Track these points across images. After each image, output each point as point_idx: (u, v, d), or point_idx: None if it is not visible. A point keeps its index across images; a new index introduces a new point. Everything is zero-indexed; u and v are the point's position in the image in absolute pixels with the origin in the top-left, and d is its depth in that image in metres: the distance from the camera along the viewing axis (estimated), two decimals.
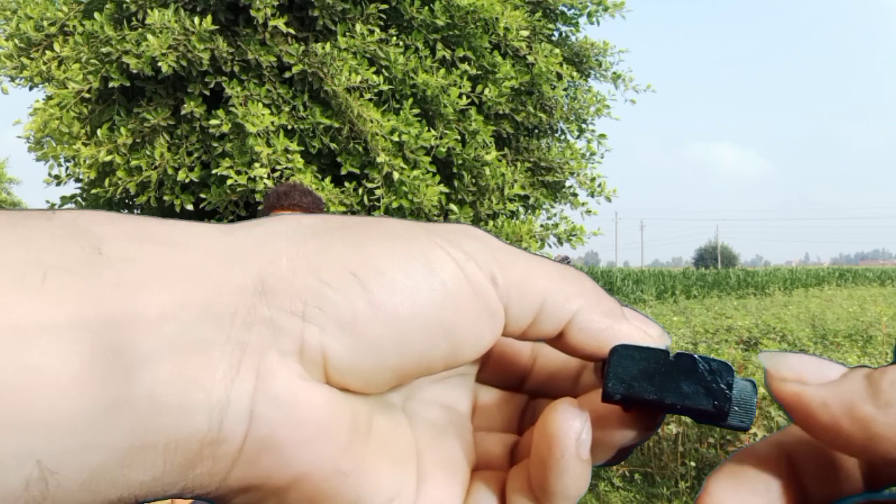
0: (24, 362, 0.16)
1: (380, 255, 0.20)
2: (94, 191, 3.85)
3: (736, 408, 0.21)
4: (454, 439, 0.23)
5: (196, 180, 3.73)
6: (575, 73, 4.61)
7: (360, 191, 3.81)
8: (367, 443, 0.20)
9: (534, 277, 0.22)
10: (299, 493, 0.19)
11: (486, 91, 4.06)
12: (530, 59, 4.30)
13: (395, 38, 3.97)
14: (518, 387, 0.26)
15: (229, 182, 3.56)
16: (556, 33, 4.94)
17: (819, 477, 0.21)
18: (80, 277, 0.17)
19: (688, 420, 4.57)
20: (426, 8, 3.98)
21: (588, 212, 4.83)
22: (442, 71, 3.87)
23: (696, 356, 0.21)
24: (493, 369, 0.26)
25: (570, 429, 0.20)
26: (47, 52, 3.79)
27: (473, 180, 4.09)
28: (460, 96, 3.92)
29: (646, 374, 0.21)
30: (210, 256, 0.18)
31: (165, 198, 3.75)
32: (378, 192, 3.77)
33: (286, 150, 3.62)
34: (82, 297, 0.17)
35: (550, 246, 4.63)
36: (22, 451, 0.16)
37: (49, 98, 3.72)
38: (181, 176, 3.66)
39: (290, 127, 3.74)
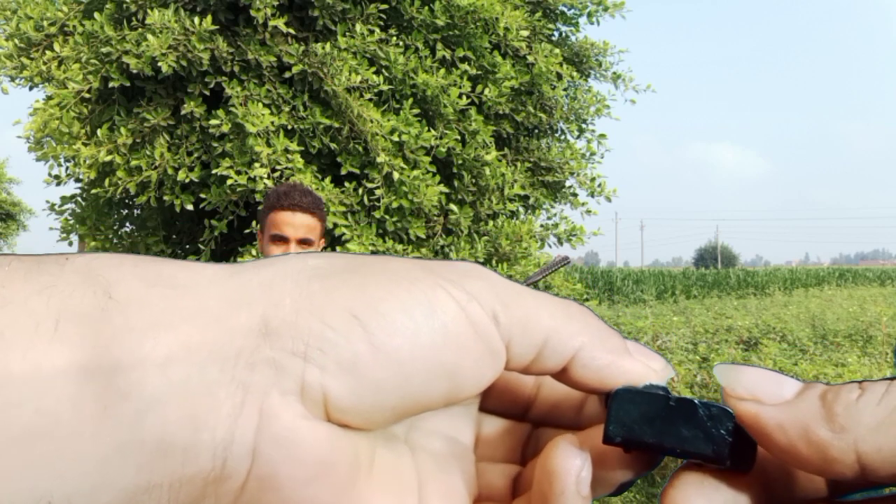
0: (37, 406, 0.16)
1: (382, 298, 0.20)
2: (94, 191, 3.84)
3: (736, 449, 0.21)
4: (456, 470, 0.24)
5: (196, 180, 3.73)
6: (575, 73, 4.61)
7: (360, 191, 3.81)
8: (370, 478, 0.21)
9: (537, 315, 0.22)
10: None
11: (486, 91, 4.06)
12: (530, 59, 4.30)
13: (395, 38, 3.97)
14: (522, 416, 0.26)
15: (229, 182, 3.56)
16: (556, 33, 4.94)
17: (782, 479, 0.22)
18: (91, 322, 0.17)
19: None
20: (426, 8, 3.98)
21: (588, 212, 4.83)
22: (442, 71, 3.87)
23: (696, 402, 0.21)
24: (497, 399, 0.26)
25: (571, 467, 0.20)
26: (47, 52, 3.79)
27: (473, 180, 4.09)
28: (460, 96, 3.92)
29: (646, 417, 0.21)
30: (217, 298, 0.19)
31: (165, 198, 3.74)
32: (378, 192, 3.76)
33: (286, 150, 3.62)
34: (93, 341, 0.17)
35: (550, 246, 4.63)
36: (36, 492, 0.16)
37: (49, 98, 3.72)
38: (181, 176, 3.66)
39: (290, 127, 3.74)
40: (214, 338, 0.18)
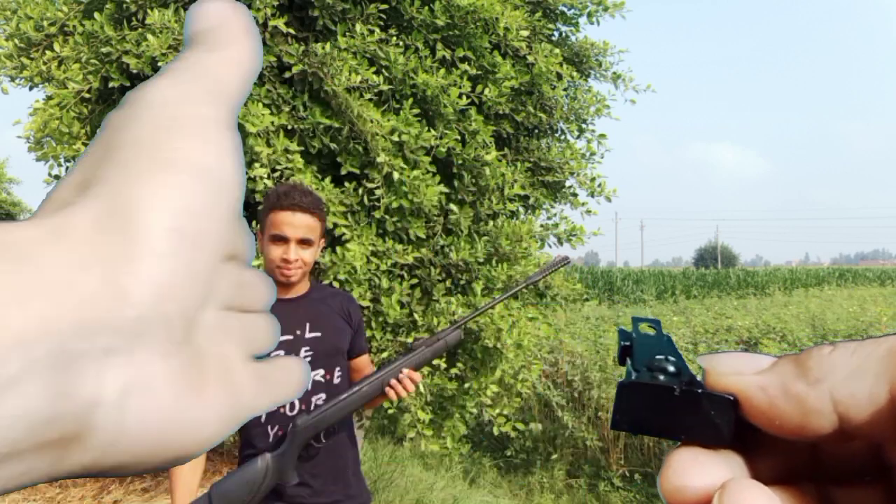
0: None
1: (175, 193, 0.21)
2: None
3: (739, 439, 0.22)
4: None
5: None
6: (575, 73, 4.61)
7: (360, 191, 3.81)
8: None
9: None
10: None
11: (486, 91, 4.06)
12: (530, 59, 4.29)
13: (395, 38, 3.97)
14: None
15: None
16: (556, 33, 4.93)
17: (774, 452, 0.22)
18: None
19: None
20: (426, 8, 3.97)
21: (588, 212, 4.83)
22: (442, 71, 3.87)
23: (700, 392, 0.22)
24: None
25: None
26: (47, 52, 3.79)
27: (473, 180, 4.08)
28: (460, 96, 3.92)
29: (651, 408, 0.22)
30: (57, 266, 0.19)
31: None
32: (378, 192, 3.76)
33: (286, 150, 3.62)
34: None
35: (550, 246, 4.63)
36: None
37: (49, 98, 3.72)
38: None
39: (290, 127, 3.74)
40: (72, 307, 0.18)
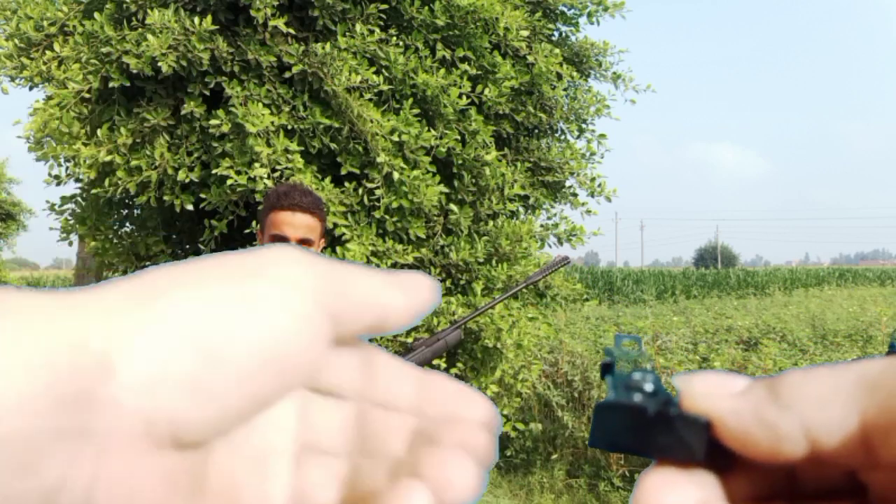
0: None
1: (203, 308, 0.20)
2: (94, 191, 3.84)
3: (711, 454, 0.22)
4: (272, 467, 0.24)
5: (196, 180, 3.73)
6: (575, 73, 4.61)
7: (360, 191, 3.81)
8: (204, 496, 0.21)
9: (354, 281, 0.23)
10: None
11: (486, 91, 4.06)
12: (530, 59, 4.30)
13: (395, 38, 3.97)
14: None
15: (229, 182, 3.56)
16: (556, 33, 4.93)
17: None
18: None
19: None
20: (426, 8, 3.98)
21: (588, 212, 4.83)
22: (442, 71, 3.87)
23: (672, 413, 0.22)
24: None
25: None
26: (47, 52, 3.79)
27: (473, 180, 4.09)
28: (460, 96, 3.92)
29: (625, 429, 0.22)
30: (51, 336, 0.18)
31: (165, 198, 3.74)
32: (378, 192, 3.76)
33: (286, 150, 3.62)
34: None
35: (550, 246, 4.63)
36: None
37: (49, 98, 3.72)
38: (181, 176, 3.66)
39: (290, 127, 3.74)
40: (48, 381, 0.17)
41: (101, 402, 0.18)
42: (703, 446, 0.21)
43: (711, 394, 0.22)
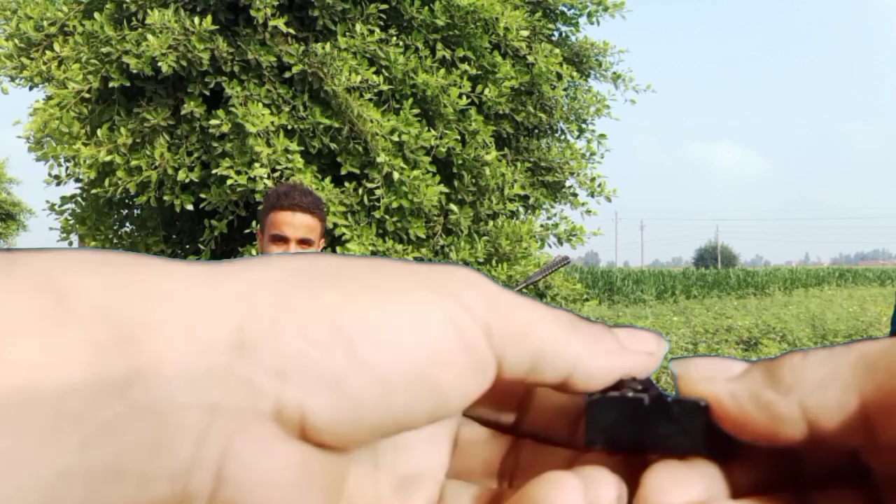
0: None
1: (368, 309, 0.19)
2: (94, 191, 3.85)
3: (713, 444, 0.21)
4: (415, 493, 0.23)
5: (196, 180, 3.73)
6: (575, 73, 4.61)
7: (360, 191, 3.81)
8: (341, 501, 0.20)
9: (532, 327, 0.21)
10: None
11: (486, 91, 4.06)
12: (530, 59, 4.30)
13: (395, 38, 3.97)
14: (510, 427, 0.25)
15: (229, 182, 3.56)
16: (556, 33, 4.94)
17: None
18: (41, 338, 0.16)
19: None
20: (426, 8, 3.98)
21: (588, 212, 4.83)
22: (442, 71, 3.87)
23: (670, 399, 0.21)
24: (484, 405, 0.25)
25: None
26: (47, 52, 3.79)
27: (473, 180, 4.09)
28: (460, 96, 3.92)
29: (622, 421, 0.21)
30: (190, 308, 0.17)
31: (165, 198, 3.74)
32: (378, 192, 3.76)
33: (286, 150, 3.62)
34: (38, 362, 0.15)
35: (550, 246, 4.63)
36: None
37: (49, 98, 3.72)
38: (181, 176, 3.66)
39: (290, 127, 3.74)
40: (184, 353, 0.17)
41: (234, 378, 0.17)
42: (703, 431, 0.21)
43: (709, 377, 0.21)
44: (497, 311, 0.21)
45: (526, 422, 0.25)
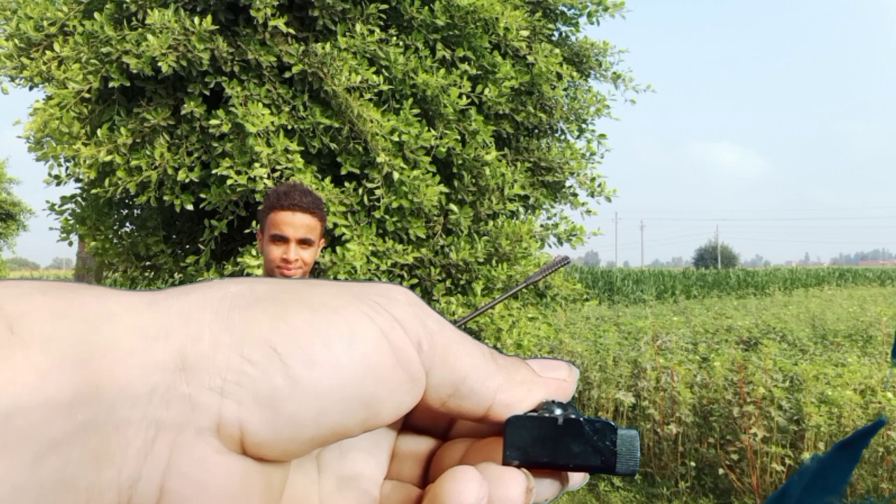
0: None
1: (301, 328, 0.20)
2: (94, 191, 3.84)
3: (621, 459, 0.23)
4: (358, 492, 0.24)
5: (196, 180, 3.73)
6: (575, 73, 4.61)
7: (360, 191, 3.81)
8: None
9: (458, 353, 0.22)
10: None
11: (486, 91, 4.06)
12: (530, 59, 4.30)
13: (395, 38, 3.97)
14: (443, 434, 0.26)
15: (229, 182, 3.56)
16: (556, 33, 4.93)
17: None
18: None
19: (687, 420, 4.57)
20: (426, 8, 3.98)
21: (588, 212, 4.83)
22: (442, 71, 3.87)
23: (581, 420, 0.23)
24: (420, 418, 0.26)
25: (465, 501, 0.20)
26: (47, 52, 3.79)
27: (473, 180, 4.09)
28: (460, 96, 3.92)
29: (538, 440, 0.23)
30: (132, 331, 0.18)
31: (165, 198, 3.74)
32: (378, 192, 3.76)
33: (286, 150, 3.62)
34: None
35: (550, 246, 4.63)
36: None
37: (49, 98, 3.72)
38: (181, 176, 3.66)
39: (290, 127, 3.74)
40: (127, 374, 0.18)
41: (176, 396, 0.18)
42: (612, 448, 0.22)
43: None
44: (427, 326, 0.22)
45: (453, 431, 0.26)
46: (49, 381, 0.17)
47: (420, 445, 0.26)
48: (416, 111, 3.82)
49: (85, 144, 3.70)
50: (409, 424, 0.26)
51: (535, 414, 0.23)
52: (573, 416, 0.23)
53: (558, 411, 0.23)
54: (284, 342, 0.19)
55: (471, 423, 0.26)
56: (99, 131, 3.69)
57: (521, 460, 0.22)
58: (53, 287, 0.19)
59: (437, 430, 0.26)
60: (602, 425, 0.22)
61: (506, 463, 0.22)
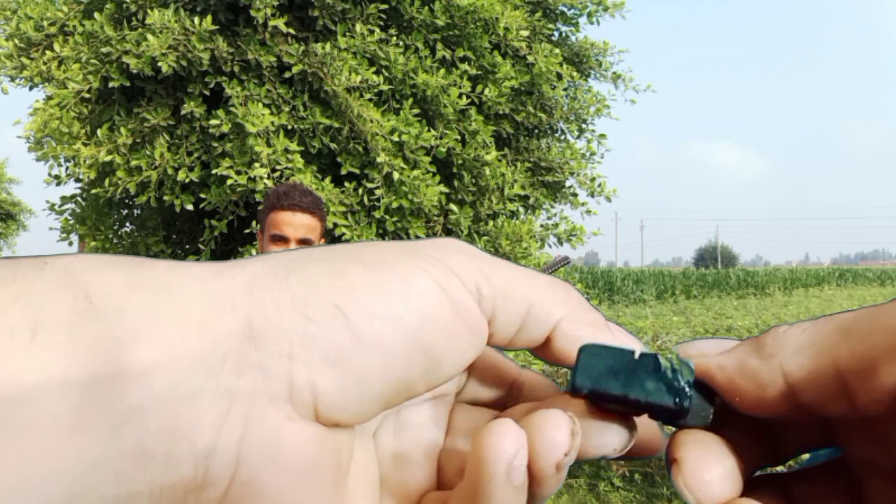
0: (13, 422, 0.16)
1: (359, 284, 0.20)
2: (94, 191, 3.85)
3: (696, 404, 0.22)
4: (414, 465, 0.24)
5: (196, 180, 3.73)
6: (575, 73, 4.61)
7: (360, 191, 3.81)
8: (347, 479, 0.21)
9: (519, 285, 0.22)
10: None
11: (486, 91, 4.06)
12: (530, 59, 4.30)
13: (395, 38, 3.97)
14: (501, 408, 0.26)
15: (229, 182, 3.57)
16: (556, 33, 4.94)
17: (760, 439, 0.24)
18: (70, 331, 0.17)
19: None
20: (426, 8, 3.98)
21: (588, 212, 4.83)
22: (442, 71, 3.87)
23: (659, 356, 0.22)
24: (479, 389, 0.26)
25: (502, 452, 0.19)
26: (47, 52, 3.79)
27: (473, 180, 4.09)
28: (460, 96, 3.92)
29: (612, 370, 0.22)
30: (201, 302, 0.19)
31: (165, 198, 3.74)
32: (378, 192, 3.77)
33: (286, 150, 3.62)
34: (71, 352, 0.16)
35: (550, 246, 4.63)
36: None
37: (49, 98, 3.72)
38: (181, 176, 3.66)
39: (290, 127, 3.74)
40: (198, 344, 0.18)
41: (247, 364, 0.18)
42: (688, 389, 0.21)
43: (703, 352, 0.22)
44: (484, 271, 0.22)
45: (511, 403, 0.26)
46: (126, 350, 0.17)
47: (475, 418, 0.25)
48: (416, 111, 3.82)
49: (85, 144, 3.70)
50: (465, 395, 0.26)
51: (611, 344, 0.22)
52: (651, 353, 0.22)
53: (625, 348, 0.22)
54: (345, 299, 0.19)
55: (532, 395, 0.25)
56: (99, 131, 3.69)
57: (590, 389, 0.21)
58: (125, 260, 0.19)
59: (496, 401, 0.26)
60: (680, 364, 0.22)
61: (574, 390, 0.22)
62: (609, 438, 0.22)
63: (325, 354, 0.19)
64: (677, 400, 0.21)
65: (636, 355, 0.22)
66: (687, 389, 0.21)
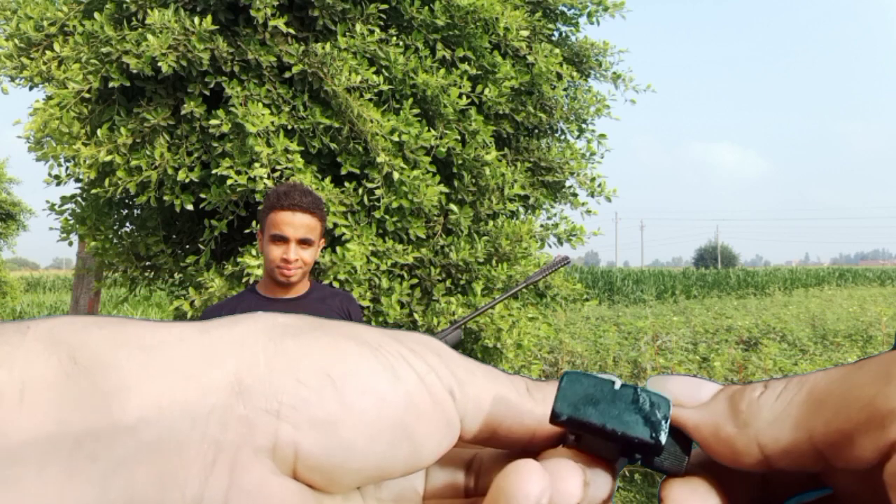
0: (4, 477, 0.16)
1: (352, 359, 0.21)
2: (94, 191, 3.84)
3: (671, 444, 0.22)
4: None
5: (196, 180, 3.73)
6: (575, 73, 4.61)
7: (360, 191, 3.81)
8: None
9: (489, 397, 0.23)
10: None
11: (486, 91, 4.06)
12: (530, 59, 4.30)
13: (395, 38, 3.97)
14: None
15: (229, 182, 3.56)
16: (556, 33, 4.93)
17: (751, 482, 0.24)
18: (57, 389, 0.17)
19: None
20: (426, 8, 3.98)
21: (588, 212, 4.83)
22: (442, 71, 3.87)
23: (638, 388, 0.22)
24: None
25: (531, 492, 0.20)
26: (47, 52, 3.79)
27: (473, 180, 4.09)
28: (460, 96, 3.92)
29: (591, 399, 0.22)
30: (188, 357, 0.19)
31: (165, 198, 3.74)
32: (378, 192, 3.76)
33: (286, 150, 3.62)
34: (59, 409, 0.17)
35: (550, 246, 4.63)
36: None
37: (49, 98, 3.72)
38: (181, 176, 3.66)
39: (290, 127, 3.74)
40: (186, 396, 0.18)
41: (233, 417, 0.19)
42: (664, 424, 0.21)
43: (680, 404, 0.22)
44: (457, 377, 0.22)
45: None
46: (113, 404, 0.17)
47: (463, 449, 0.26)
48: (416, 111, 3.82)
49: (85, 144, 3.70)
50: None
51: (593, 373, 0.22)
52: (631, 386, 0.22)
53: (606, 378, 0.23)
54: (337, 370, 0.20)
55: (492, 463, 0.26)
56: (99, 131, 3.69)
57: (570, 416, 0.22)
58: (109, 321, 0.20)
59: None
60: (658, 399, 0.22)
61: (554, 417, 0.22)
62: (601, 490, 0.22)
63: (312, 419, 0.19)
64: (653, 434, 0.21)
65: (616, 385, 0.22)
66: (663, 423, 0.21)
